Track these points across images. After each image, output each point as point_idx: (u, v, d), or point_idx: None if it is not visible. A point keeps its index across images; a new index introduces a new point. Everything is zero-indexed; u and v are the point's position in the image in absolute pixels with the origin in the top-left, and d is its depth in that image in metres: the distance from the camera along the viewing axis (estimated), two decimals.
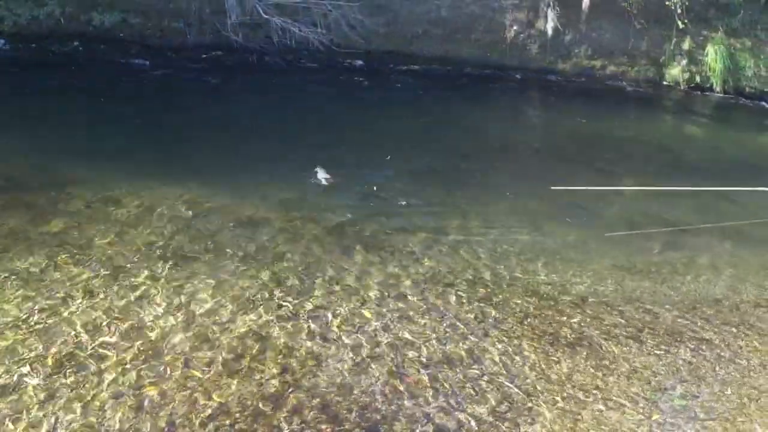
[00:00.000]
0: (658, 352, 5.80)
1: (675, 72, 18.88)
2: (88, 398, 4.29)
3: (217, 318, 5.29)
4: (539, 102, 16.33)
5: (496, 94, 15.79)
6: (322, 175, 8.54)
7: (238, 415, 4.26)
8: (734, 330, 6.45)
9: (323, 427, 4.25)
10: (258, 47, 14.73)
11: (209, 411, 4.26)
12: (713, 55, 18.57)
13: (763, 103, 19.29)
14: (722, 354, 5.97)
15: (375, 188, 8.61)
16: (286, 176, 8.68)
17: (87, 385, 4.40)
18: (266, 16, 14.00)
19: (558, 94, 16.82)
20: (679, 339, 6.09)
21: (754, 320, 6.74)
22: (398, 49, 16.48)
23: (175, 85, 12.97)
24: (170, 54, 14.55)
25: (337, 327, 5.38)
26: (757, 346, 6.22)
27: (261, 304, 5.55)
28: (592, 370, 5.36)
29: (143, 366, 4.64)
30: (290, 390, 4.55)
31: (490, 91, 15.87)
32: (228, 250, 6.48)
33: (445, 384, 4.88)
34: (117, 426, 4.09)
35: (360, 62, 15.54)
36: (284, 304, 5.60)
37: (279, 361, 4.85)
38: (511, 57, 17.46)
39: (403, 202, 8.31)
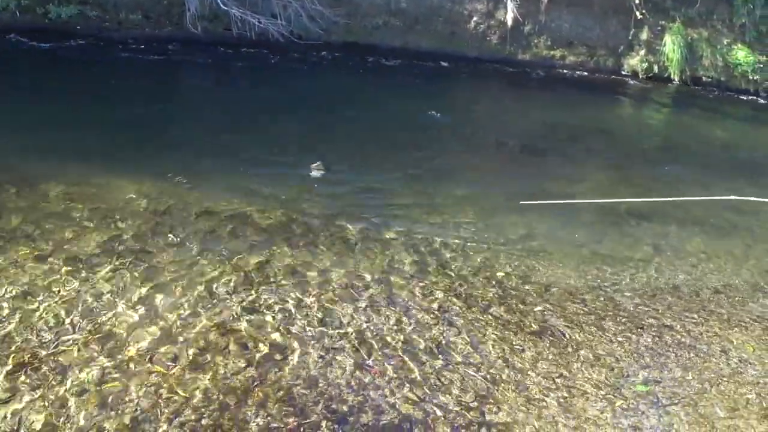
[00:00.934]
0: (620, 339, 5.87)
1: (633, 62, 19.09)
2: (51, 396, 4.23)
3: (180, 312, 5.24)
4: (499, 92, 16.39)
5: (455, 85, 15.82)
6: (316, 170, 8.59)
7: (203, 409, 4.23)
8: (695, 316, 6.55)
9: (289, 420, 4.24)
10: (217, 39, 14.60)
11: (174, 406, 4.23)
12: (671, 45, 18.82)
13: (719, 92, 19.61)
14: (683, 340, 6.06)
15: (323, 170, 8.69)
16: (246, 168, 8.62)
17: (49, 383, 4.34)
18: (225, 8, 13.85)
19: (518, 85, 16.91)
20: (640, 326, 6.17)
21: (713, 306, 6.84)
22: (359, 40, 16.45)
23: (135, 78, 12.80)
24: (129, 46, 14.37)
25: (302, 319, 5.36)
26: (717, 332, 6.32)
27: (225, 298, 5.51)
28: (555, 358, 5.40)
29: (107, 362, 4.58)
30: (255, 383, 4.53)
31: (449, 82, 15.90)
32: (190, 243, 6.41)
33: (410, 375, 4.89)
34: (81, 423, 4.04)
35: (321, 53, 15.46)
36: (248, 297, 5.57)
37: (244, 354, 4.82)
38: (471, 48, 17.52)
39: (370, 194, 8.31)
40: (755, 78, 20.45)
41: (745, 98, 20.10)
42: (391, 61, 16.24)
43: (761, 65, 20.21)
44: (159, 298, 5.39)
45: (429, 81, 15.57)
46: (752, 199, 7.42)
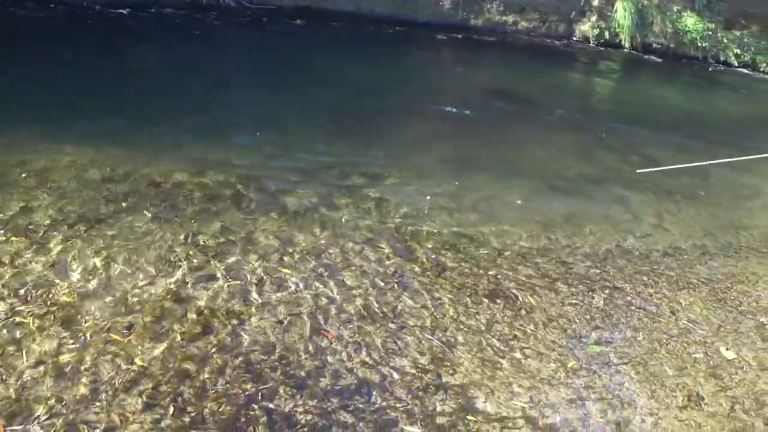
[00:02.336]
0: (572, 302, 5.98)
1: (585, 28, 19.25)
2: (8, 369, 4.19)
3: (135, 281, 5.20)
4: (450, 58, 16.40)
5: (408, 50, 15.80)
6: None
7: (161, 377, 4.23)
8: (644, 278, 6.69)
9: (248, 386, 4.26)
10: (167, 3, 14.38)
11: (132, 375, 4.22)
12: (622, 12, 19.04)
13: (669, 59, 19.86)
14: (633, 301, 6.19)
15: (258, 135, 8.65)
16: (199, 135, 8.55)
17: (5, 356, 4.30)
18: None
19: (469, 50, 16.94)
20: (592, 288, 6.29)
21: (663, 269, 6.99)
22: (311, 4, 16.34)
23: (80, 41, 12.57)
24: (74, 8, 14.10)
25: (257, 286, 5.36)
26: (666, 293, 6.46)
27: (179, 266, 5.48)
28: (510, 321, 5.49)
29: (63, 333, 4.55)
30: (213, 350, 4.54)
31: (400, 47, 15.87)
32: (143, 211, 6.33)
33: (367, 339, 4.94)
34: (39, 394, 4.01)
35: (272, 18, 15.31)
36: (203, 264, 5.55)
37: (200, 321, 4.81)
38: (423, 13, 17.53)
39: (321, 159, 8.30)
40: (704, 45, 20.78)
41: (694, 64, 20.40)
42: (343, 26, 16.16)
43: (709, 32, 20.53)
44: (113, 268, 5.34)
45: (380, 46, 15.54)
46: None
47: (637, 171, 10.05)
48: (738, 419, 4.84)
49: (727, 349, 5.72)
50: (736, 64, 21.55)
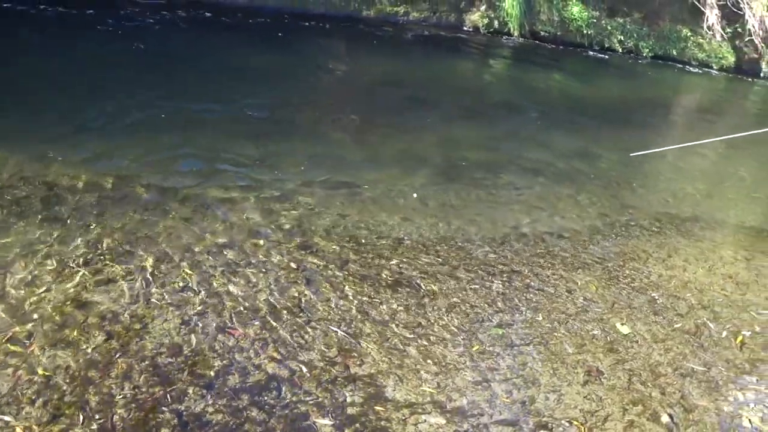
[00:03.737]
0: (473, 287, 6.11)
1: (475, 18, 19.57)
2: None
3: (33, 289, 5.06)
4: (345, 50, 16.41)
5: (300, 43, 15.73)
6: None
7: (66, 387, 4.14)
8: (541, 261, 6.89)
9: (156, 389, 4.22)
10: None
11: (36, 386, 4.12)
12: (510, 1, 19.44)
13: (557, 46, 20.41)
14: (531, 283, 6.37)
15: (154, 134, 8.48)
16: (93, 133, 8.30)
17: None
18: None
19: (362, 41, 16.98)
20: (491, 273, 6.44)
21: (558, 250, 7.22)
22: None
23: None
24: None
25: (159, 287, 5.29)
26: (562, 273, 6.68)
27: (78, 271, 5.35)
28: (414, 308, 5.58)
29: None
30: (118, 356, 4.47)
31: (293, 40, 15.79)
32: (38, 216, 6.15)
33: (273, 334, 4.94)
34: None
35: (162, 12, 15.00)
36: (102, 268, 5.43)
37: (103, 327, 4.73)
38: (317, 4, 17.49)
39: (219, 157, 8.20)
40: (589, 32, 21.48)
41: (580, 51, 21.01)
42: (235, 20, 15.98)
43: (594, 20, 21.20)
44: (8, 275, 5.19)
45: (273, 39, 15.41)
46: None
47: (631, 155, 10.85)
48: (636, 390, 5.06)
49: (622, 324, 5.96)
50: (620, 50, 22.34)
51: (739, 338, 6.12)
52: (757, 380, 5.52)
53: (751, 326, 6.38)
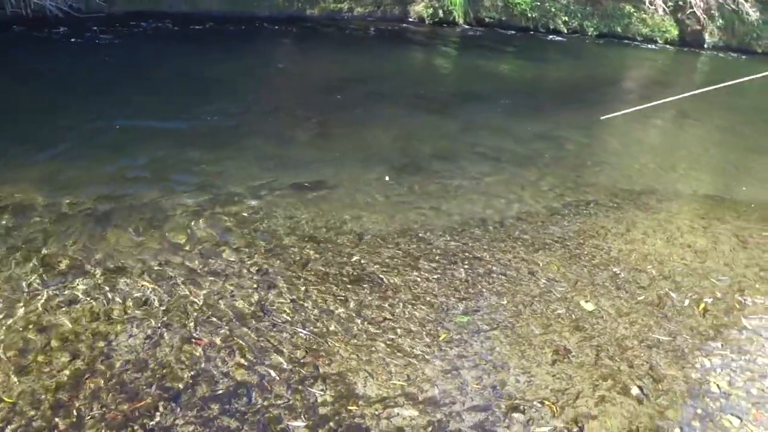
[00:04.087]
0: (436, 276, 6.14)
1: (419, 8, 19.63)
2: None
3: None
4: (294, 50, 16.38)
5: (249, 47, 15.68)
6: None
7: (33, 412, 4.08)
8: (502, 245, 6.93)
9: (124, 406, 4.18)
10: None
11: (1, 414, 4.07)
12: None
13: (502, 31, 20.55)
14: (494, 268, 6.41)
15: (102, 147, 8.36)
16: (40, 152, 8.19)
17: None
18: None
19: (309, 40, 16.96)
20: (453, 261, 6.47)
21: (518, 233, 7.26)
22: (144, 8, 15.96)
23: None
24: None
25: (121, 303, 5.24)
26: (523, 256, 6.73)
27: (36, 293, 5.28)
28: (378, 303, 5.59)
29: None
30: (84, 376, 4.41)
31: (240, 44, 15.73)
32: None
33: (239, 341, 4.92)
34: None
35: (102, 26, 14.80)
36: (61, 288, 5.36)
37: (67, 348, 4.67)
38: (261, 7, 17.47)
39: (171, 166, 8.12)
40: (534, 15, 21.67)
41: (526, 35, 21.15)
42: (180, 27, 15.85)
43: (538, 3, 21.37)
44: None
45: (220, 44, 15.34)
46: None
47: (601, 118, 11.19)
48: (604, 366, 5.12)
49: (586, 301, 6.02)
50: (566, 31, 22.54)
51: (702, 306, 6.21)
52: (722, 345, 5.61)
53: (712, 293, 6.48)
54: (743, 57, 25.60)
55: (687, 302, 6.26)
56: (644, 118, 12.54)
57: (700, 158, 11.83)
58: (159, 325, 5.01)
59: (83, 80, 11.39)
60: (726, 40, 26.21)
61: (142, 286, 5.49)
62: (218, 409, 4.24)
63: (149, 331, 4.93)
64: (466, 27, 20.33)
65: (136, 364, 4.58)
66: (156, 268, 5.80)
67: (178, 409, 4.20)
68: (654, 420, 4.61)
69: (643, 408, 4.72)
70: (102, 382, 4.38)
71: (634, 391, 4.88)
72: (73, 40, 13.83)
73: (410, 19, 19.73)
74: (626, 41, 23.98)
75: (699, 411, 4.77)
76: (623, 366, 5.16)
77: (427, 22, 19.78)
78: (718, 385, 5.08)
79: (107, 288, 5.41)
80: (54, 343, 4.72)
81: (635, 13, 24.34)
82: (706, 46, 25.80)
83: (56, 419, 4.05)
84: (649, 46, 24.36)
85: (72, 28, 14.40)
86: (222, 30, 16.33)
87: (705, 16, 25.29)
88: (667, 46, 24.78)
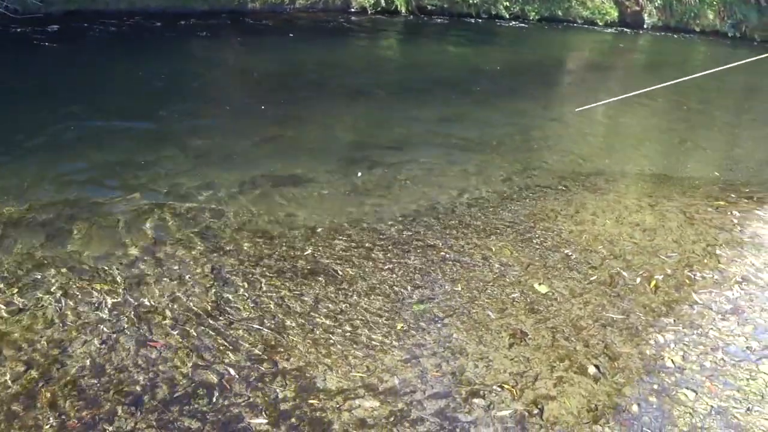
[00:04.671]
0: (390, 266, 6.16)
1: None
2: None
3: None
4: (237, 44, 16.26)
5: (190, 43, 15.52)
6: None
7: None
8: (454, 232, 6.98)
9: (83, 414, 4.13)
10: None
11: None
12: None
13: (444, 18, 20.65)
14: (447, 255, 6.45)
15: (44, 152, 8.23)
16: None
17: None
18: None
19: (251, 34, 16.85)
20: (407, 250, 6.50)
21: (469, 219, 7.31)
22: (81, 7, 15.69)
23: None
24: None
25: (73, 308, 5.16)
26: (476, 242, 6.77)
27: None
28: (334, 296, 5.59)
29: None
30: (40, 385, 4.35)
31: (182, 41, 15.56)
32: None
33: (196, 341, 4.89)
34: None
35: (39, 26, 14.50)
36: (10, 297, 5.24)
37: (21, 358, 4.59)
38: (199, 2, 17.28)
39: (114, 169, 7.99)
40: (475, 2, 21.77)
41: (469, 21, 21.25)
42: (119, 25, 15.62)
43: None
44: None
45: (160, 41, 15.15)
46: None
47: (576, 110, 11.40)
48: (561, 347, 5.19)
49: (540, 284, 6.09)
50: (507, 16, 22.72)
51: (653, 283, 6.32)
52: (674, 321, 5.71)
53: (662, 270, 6.59)
54: (683, 36, 26.05)
55: (638, 280, 6.36)
56: (589, 100, 12.68)
57: (647, 139, 12.02)
58: (114, 329, 4.95)
59: (22, 83, 11.16)
60: (665, 20, 26.65)
61: (95, 290, 5.42)
62: (178, 410, 4.22)
63: (104, 336, 4.87)
64: (410, 15, 20.36)
65: (93, 370, 4.52)
66: (108, 271, 5.73)
67: (138, 413, 4.16)
68: (612, 397, 4.69)
69: (601, 386, 4.80)
70: (59, 390, 4.32)
71: (591, 370, 4.95)
72: (10, 42, 13.55)
73: (352, 10, 19.74)
74: (567, 24, 24.24)
75: (655, 386, 4.86)
76: (579, 346, 5.23)
77: (369, 12, 19.80)
78: (672, 360, 5.18)
79: (59, 294, 5.32)
80: (7, 353, 4.63)
81: None
82: (645, 26, 26.21)
83: (13, 431, 3.99)
84: (590, 28, 24.65)
85: (8, 29, 14.10)
86: (161, 26, 16.12)
87: None
88: (608, 28, 25.09)
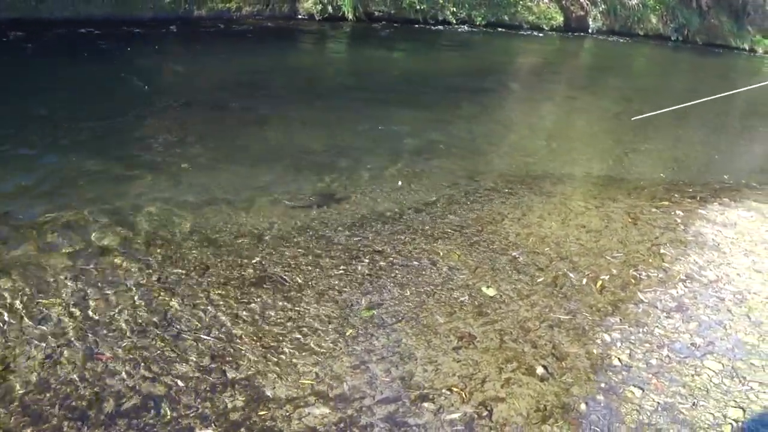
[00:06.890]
0: (338, 273, 6.16)
1: (308, 5, 19.65)
2: None
3: None
4: (183, 52, 16.14)
5: (135, 51, 15.36)
6: None
7: None
8: (402, 237, 7.00)
9: (29, 430, 4.08)
10: None
11: None
12: None
13: (392, 24, 20.75)
14: (395, 261, 6.47)
15: None
16: None
17: None
18: None
19: (199, 42, 16.77)
20: (355, 256, 6.51)
21: (417, 224, 7.35)
22: (22, 15, 15.43)
23: None
24: None
25: (17, 324, 5.06)
26: (424, 247, 6.81)
27: None
28: (282, 304, 5.58)
29: None
30: None
31: (127, 48, 15.42)
32: None
33: (143, 353, 4.83)
34: None
35: None
36: None
37: None
38: (145, 9, 17.16)
39: (59, 176, 7.87)
40: (422, 7, 21.95)
41: (416, 27, 21.38)
42: (64, 33, 15.40)
43: None
44: None
45: (105, 50, 14.99)
46: None
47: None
48: (509, 349, 5.24)
49: (488, 287, 6.14)
50: (455, 22, 22.91)
51: (599, 283, 6.41)
52: (620, 320, 5.81)
53: (608, 270, 6.70)
54: (627, 40, 26.47)
55: (585, 281, 6.45)
56: (536, 104, 12.83)
57: (592, 142, 12.20)
58: (58, 343, 4.88)
59: None
60: (609, 25, 27.11)
61: (38, 303, 5.33)
62: (126, 424, 4.17)
63: (48, 350, 4.79)
64: (357, 21, 20.43)
65: (38, 386, 4.45)
66: (51, 285, 5.63)
67: (85, 428, 4.11)
68: (560, 397, 4.75)
69: (549, 386, 4.85)
70: (2, 407, 4.25)
71: (539, 370, 5.01)
72: None
73: (300, 17, 19.76)
74: (513, 29, 24.50)
75: (602, 385, 4.93)
76: (527, 347, 5.28)
77: (316, 18, 19.83)
78: (619, 358, 5.26)
79: (1, 309, 5.23)
80: None
81: (521, 1, 24.93)
82: (590, 30, 26.63)
83: None
84: (536, 33, 24.94)
85: None
86: (106, 35, 15.91)
87: (588, 2, 26.03)
88: (553, 32, 25.41)
